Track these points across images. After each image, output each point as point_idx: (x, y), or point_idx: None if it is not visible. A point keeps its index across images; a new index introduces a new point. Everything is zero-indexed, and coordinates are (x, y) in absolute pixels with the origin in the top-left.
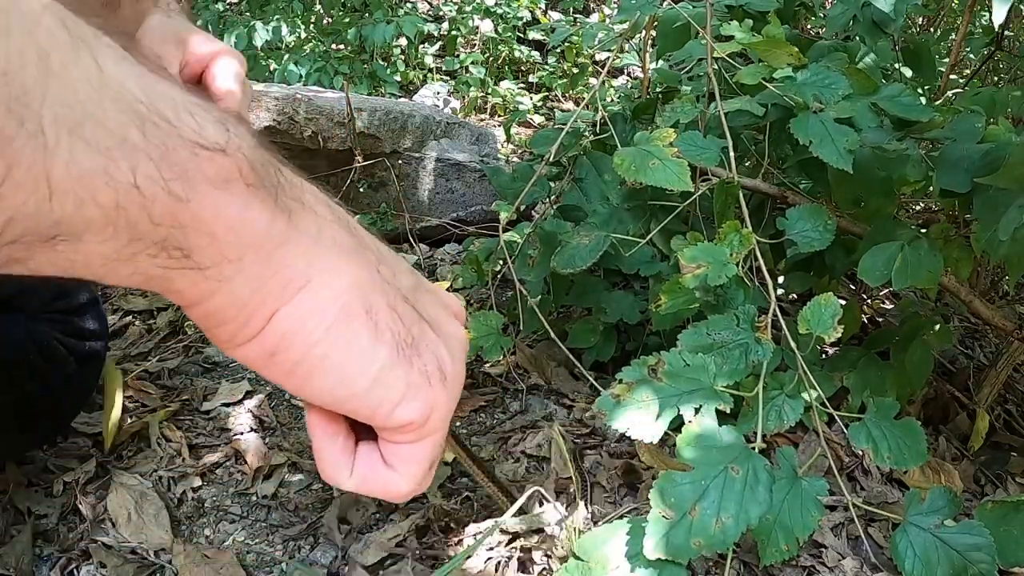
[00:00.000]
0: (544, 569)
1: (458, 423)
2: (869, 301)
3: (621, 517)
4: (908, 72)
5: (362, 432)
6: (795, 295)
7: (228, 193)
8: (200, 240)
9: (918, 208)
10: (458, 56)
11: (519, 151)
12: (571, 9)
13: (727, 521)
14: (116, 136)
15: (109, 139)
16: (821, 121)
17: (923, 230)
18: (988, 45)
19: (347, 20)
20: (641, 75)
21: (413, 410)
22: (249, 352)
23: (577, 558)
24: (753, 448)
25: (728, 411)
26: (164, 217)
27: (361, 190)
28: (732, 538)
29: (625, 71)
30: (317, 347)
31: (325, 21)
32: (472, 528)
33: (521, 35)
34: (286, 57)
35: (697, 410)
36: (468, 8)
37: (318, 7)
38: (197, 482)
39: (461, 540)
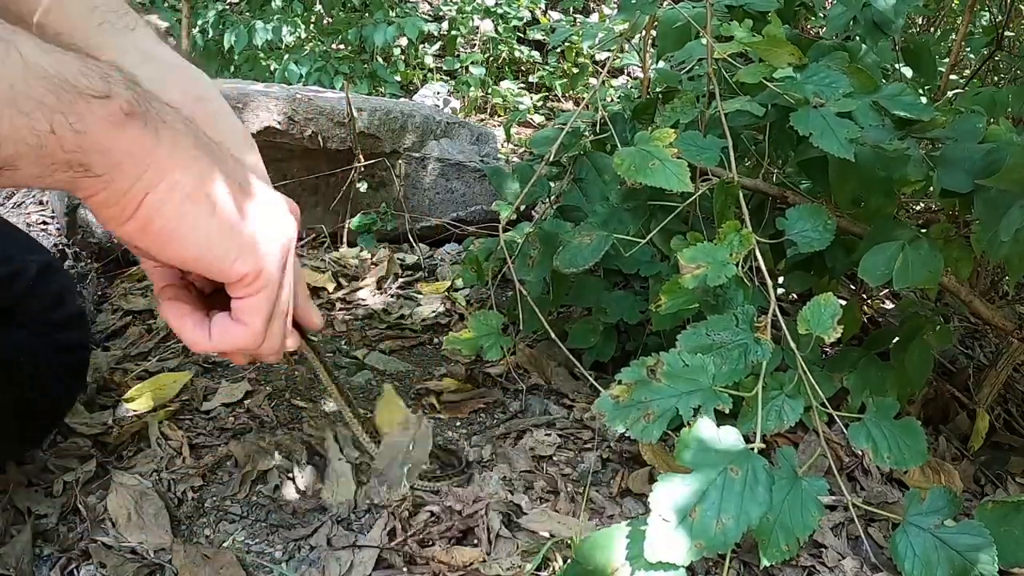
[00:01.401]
0: None
1: (458, 423)
2: (869, 301)
3: (625, 518)
4: (908, 72)
5: (216, 307)
6: (795, 295)
7: (111, 123)
8: (95, 157)
9: (918, 208)
10: (458, 56)
11: (519, 151)
12: (571, 9)
13: (727, 522)
14: (36, 101)
15: (32, 104)
16: (822, 115)
17: (923, 230)
18: (988, 45)
19: (347, 20)
20: (641, 75)
21: (247, 264)
22: (129, 228)
23: (577, 562)
24: (752, 449)
25: (728, 411)
26: (71, 147)
27: (361, 190)
28: (733, 539)
29: (625, 71)
30: (173, 218)
31: (325, 21)
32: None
33: (521, 35)
34: (286, 57)
35: (696, 411)
36: (468, 8)
37: (318, 7)
38: (197, 482)
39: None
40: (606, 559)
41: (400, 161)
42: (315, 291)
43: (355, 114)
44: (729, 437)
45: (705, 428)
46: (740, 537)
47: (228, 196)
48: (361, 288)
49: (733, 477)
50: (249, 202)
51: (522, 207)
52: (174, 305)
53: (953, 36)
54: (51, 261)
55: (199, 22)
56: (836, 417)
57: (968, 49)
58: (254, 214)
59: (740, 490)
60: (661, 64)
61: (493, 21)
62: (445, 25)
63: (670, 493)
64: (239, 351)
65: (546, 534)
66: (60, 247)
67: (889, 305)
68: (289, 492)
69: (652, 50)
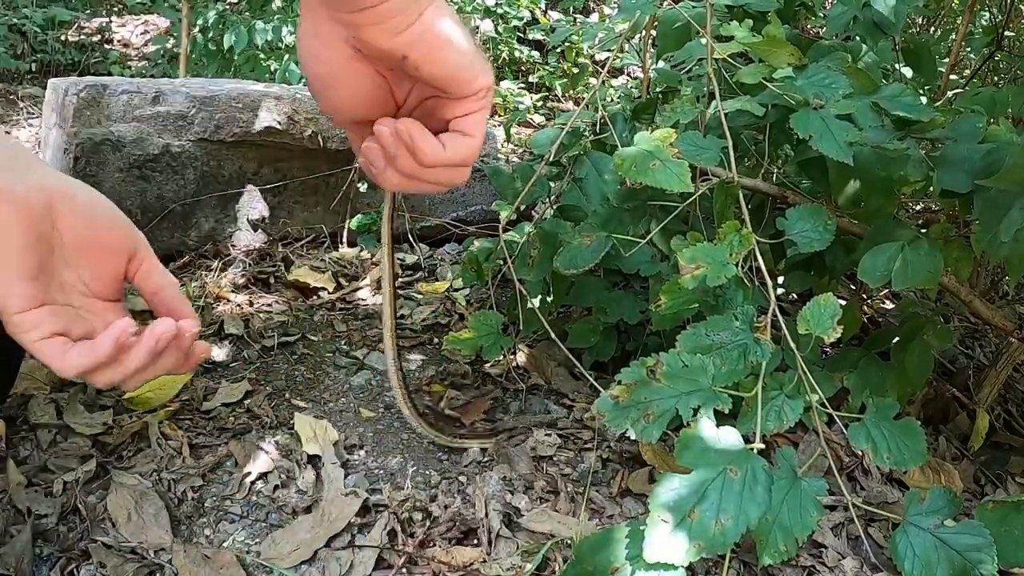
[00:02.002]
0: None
1: (456, 423)
2: (869, 301)
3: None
4: (908, 72)
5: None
6: (795, 295)
7: None
8: None
9: (918, 208)
10: None
11: (519, 151)
12: (571, 9)
13: (726, 523)
14: None
15: None
16: (821, 117)
17: (923, 230)
18: (988, 45)
19: None
20: (641, 75)
21: (488, 79)
22: (410, 34)
23: (576, 563)
24: (752, 449)
25: (727, 411)
26: None
27: (361, 190)
28: (732, 539)
29: (625, 71)
30: (446, 29)
31: None
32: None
33: (521, 35)
34: (286, 57)
35: (696, 411)
36: (468, 8)
37: None
38: (197, 482)
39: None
40: (606, 559)
41: None
42: (315, 291)
43: None
44: (728, 437)
45: (705, 428)
46: (739, 537)
47: (465, 27)
48: (361, 288)
49: (732, 477)
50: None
51: (522, 207)
52: (414, 121)
53: (953, 36)
54: None
55: (199, 22)
56: (836, 417)
57: (968, 49)
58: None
59: (739, 490)
60: (661, 64)
61: (493, 21)
62: None
63: (669, 493)
64: (461, 164)
65: (546, 534)
66: None
67: (889, 305)
68: (289, 492)
69: (652, 50)
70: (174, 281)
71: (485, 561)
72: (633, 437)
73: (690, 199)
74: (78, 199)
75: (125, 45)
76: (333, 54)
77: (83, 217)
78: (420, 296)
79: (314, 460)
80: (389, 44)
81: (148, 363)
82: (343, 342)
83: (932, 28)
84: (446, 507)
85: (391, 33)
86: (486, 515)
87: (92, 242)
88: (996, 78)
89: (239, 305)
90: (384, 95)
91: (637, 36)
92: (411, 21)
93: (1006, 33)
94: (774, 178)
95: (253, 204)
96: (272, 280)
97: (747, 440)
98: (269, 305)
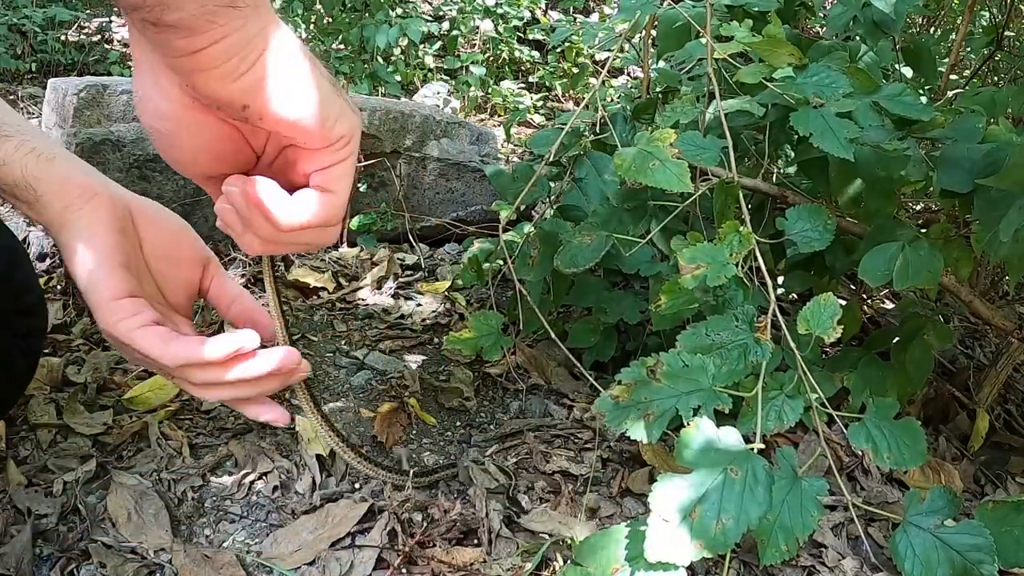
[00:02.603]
0: None
1: (458, 423)
2: (869, 301)
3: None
4: (908, 72)
5: None
6: (795, 295)
7: None
8: None
9: (918, 208)
10: (458, 56)
11: (519, 151)
12: (571, 9)
13: (727, 523)
14: None
15: None
16: (821, 115)
17: (923, 230)
18: (988, 45)
19: (347, 20)
20: (641, 75)
21: (346, 125)
22: (246, 81)
23: (576, 564)
24: (752, 449)
25: (728, 411)
26: None
27: (361, 190)
28: (732, 540)
29: (625, 71)
30: (290, 71)
31: (325, 21)
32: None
33: (521, 35)
34: None
35: (696, 411)
36: (469, 8)
37: (318, 6)
38: (197, 482)
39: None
40: (606, 559)
41: (400, 161)
42: (315, 291)
43: None
44: (729, 437)
45: (705, 428)
46: (740, 537)
47: (319, 62)
48: (361, 288)
49: (733, 477)
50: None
51: (522, 207)
52: (267, 181)
53: (953, 36)
54: (16, 246)
55: None
56: (836, 417)
57: (968, 49)
58: (338, 85)
59: (740, 490)
60: (661, 64)
61: (493, 21)
62: (446, 25)
63: (670, 493)
64: (323, 225)
65: (546, 534)
66: None
67: (889, 305)
68: (289, 492)
69: (652, 50)
70: (246, 291)
71: (485, 561)
72: (633, 437)
73: (690, 199)
74: (152, 211)
75: (125, 45)
76: (171, 105)
77: (160, 228)
78: (420, 296)
79: (315, 460)
80: (226, 92)
81: (251, 381)
82: (343, 342)
83: (932, 28)
84: (446, 508)
85: (226, 79)
86: (486, 515)
87: (169, 252)
88: (996, 78)
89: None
90: (236, 147)
91: (637, 36)
92: (249, 64)
93: (1006, 33)
94: (774, 178)
95: None
96: None
97: (747, 440)
98: (269, 305)
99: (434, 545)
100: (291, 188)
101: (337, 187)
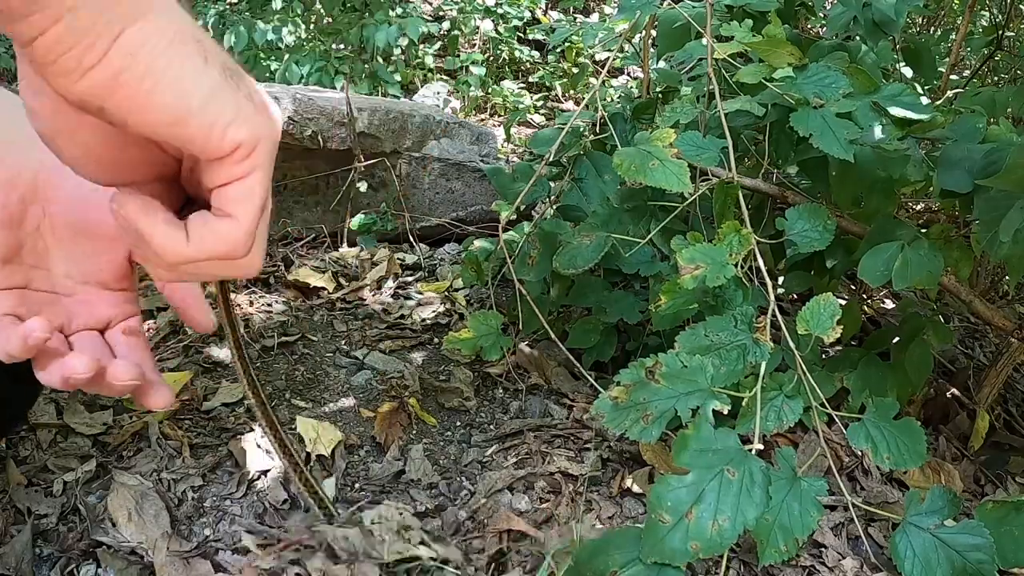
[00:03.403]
0: None
1: (458, 423)
2: (869, 301)
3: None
4: (908, 72)
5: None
6: (795, 295)
7: None
8: None
9: (918, 208)
10: (458, 56)
11: (519, 151)
12: (571, 9)
13: (724, 524)
14: None
15: None
16: (821, 116)
17: (923, 230)
18: (988, 45)
19: (347, 20)
20: (641, 75)
21: (244, 131)
22: (95, 78)
23: (576, 565)
24: (751, 450)
25: (727, 412)
26: None
27: (361, 190)
28: (729, 541)
29: (625, 71)
30: (159, 60)
31: (326, 21)
32: None
33: (521, 35)
34: (287, 57)
35: (695, 412)
36: (469, 8)
37: (318, 6)
38: (197, 482)
39: None
40: (604, 563)
41: (400, 161)
42: (315, 291)
43: (355, 114)
44: (726, 439)
45: (702, 429)
46: (737, 538)
47: (218, 48)
48: (361, 288)
49: (730, 478)
50: (238, 66)
51: (522, 207)
52: (141, 199)
53: (953, 36)
54: None
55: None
56: (836, 417)
57: (968, 49)
58: (245, 76)
59: (737, 491)
60: (661, 64)
61: (493, 21)
62: (446, 25)
63: (667, 494)
64: (222, 258)
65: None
66: None
67: (889, 305)
68: (289, 492)
69: (652, 50)
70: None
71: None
72: (632, 438)
73: (690, 199)
74: (62, 179)
75: None
76: (43, 107)
77: (72, 200)
78: (420, 296)
79: (315, 461)
80: (75, 91)
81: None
82: (343, 342)
83: (932, 28)
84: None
85: (70, 75)
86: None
87: (85, 227)
88: (996, 78)
89: (239, 305)
90: (141, 152)
91: (637, 36)
92: (97, 56)
93: (1006, 33)
94: (774, 178)
95: None
96: (272, 280)
97: (747, 440)
98: (269, 305)
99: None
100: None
101: (236, 210)
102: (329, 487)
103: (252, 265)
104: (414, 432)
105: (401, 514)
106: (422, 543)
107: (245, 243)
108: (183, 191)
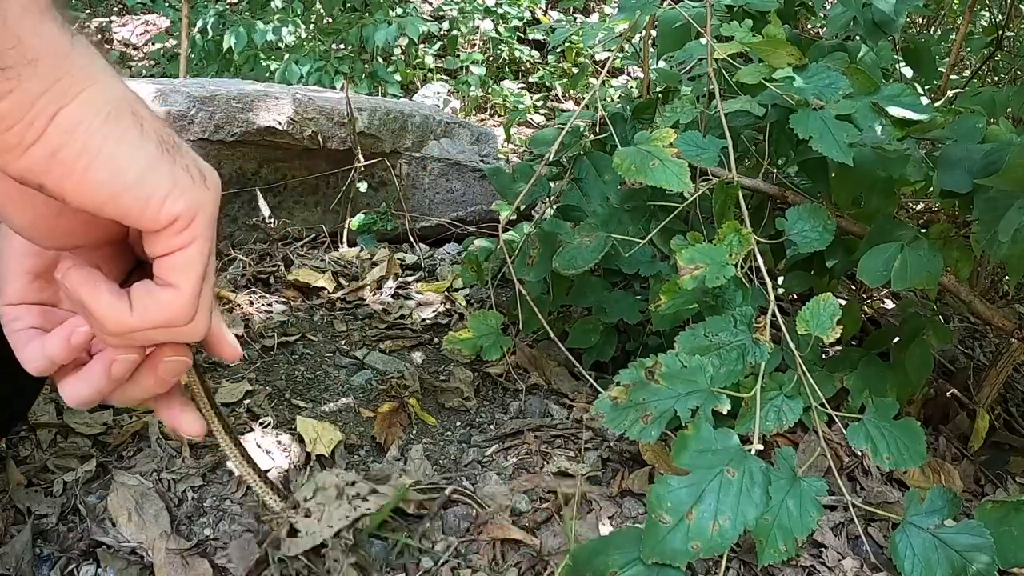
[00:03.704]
0: None
1: (458, 423)
2: (869, 301)
3: (625, 519)
4: (908, 72)
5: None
6: (795, 295)
7: (30, 11)
8: (6, 42)
9: (918, 208)
10: (459, 56)
11: (519, 151)
12: (571, 9)
13: (724, 524)
14: None
15: None
16: (821, 117)
17: (923, 230)
18: (988, 45)
19: (347, 20)
20: (641, 75)
21: (181, 204)
22: (34, 156)
23: (575, 566)
24: (750, 450)
25: (727, 412)
26: None
27: (361, 190)
28: (729, 541)
29: (625, 71)
30: (94, 138)
31: (325, 21)
32: None
33: (521, 35)
34: (287, 57)
35: (694, 412)
36: (469, 8)
37: (318, 6)
38: (197, 482)
39: None
40: (603, 563)
41: (400, 161)
42: (315, 291)
43: (355, 114)
44: (726, 439)
45: (702, 430)
46: (737, 538)
47: (156, 120)
48: (361, 288)
49: (730, 479)
50: (175, 136)
51: (522, 207)
52: (84, 271)
53: (953, 36)
54: None
55: (199, 22)
56: (836, 417)
57: (968, 49)
58: (183, 146)
59: (736, 491)
60: (661, 64)
61: (493, 21)
62: (446, 25)
63: (667, 494)
64: (166, 326)
65: (545, 535)
66: None
67: (889, 305)
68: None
69: (652, 50)
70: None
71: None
72: (632, 438)
73: (690, 199)
74: None
75: (126, 45)
76: None
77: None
78: (420, 296)
79: (316, 461)
80: (14, 169)
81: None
82: (343, 342)
83: (932, 28)
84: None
85: (10, 154)
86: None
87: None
88: (996, 78)
89: (239, 305)
90: (85, 219)
91: (637, 36)
92: (36, 134)
93: (1006, 33)
94: (774, 178)
95: (253, 204)
96: (272, 280)
97: (747, 440)
98: (269, 305)
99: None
100: None
101: (177, 279)
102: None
103: (196, 331)
104: (414, 432)
105: (337, 475)
106: (373, 492)
107: (188, 312)
108: (132, 253)
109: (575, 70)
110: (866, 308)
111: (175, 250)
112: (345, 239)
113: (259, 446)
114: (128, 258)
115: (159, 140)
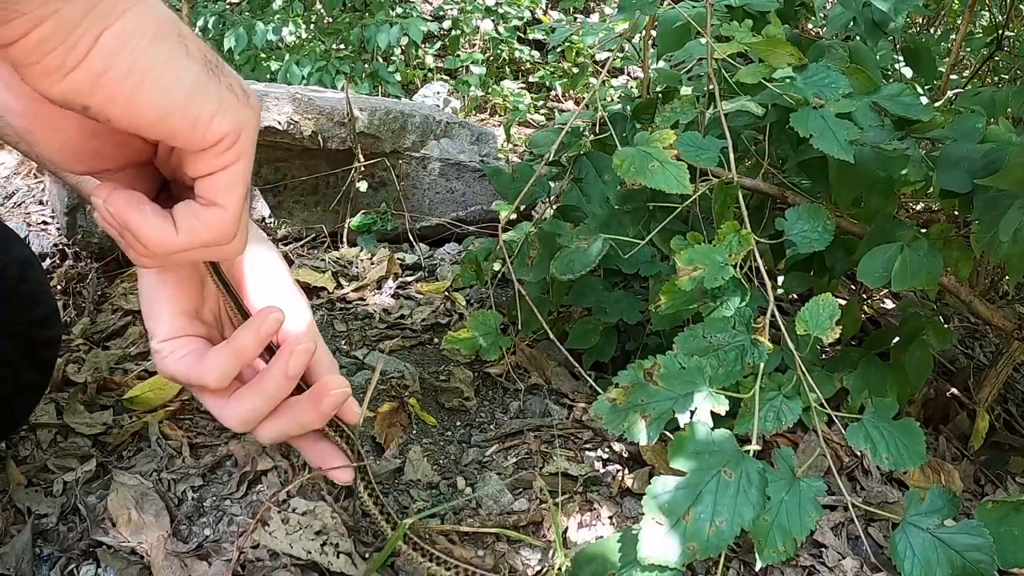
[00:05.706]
0: None
1: (458, 423)
2: (869, 301)
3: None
4: (908, 72)
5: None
6: (795, 295)
7: None
8: None
9: (918, 208)
10: (459, 56)
11: (519, 151)
12: (571, 9)
13: (721, 525)
14: None
15: None
16: (821, 116)
17: (923, 230)
18: (988, 45)
19: (348, 20)
20: (641, 75)
21: (227, 122)
22: (77, 79)
23: (573, 569)
24: (748, 451)
25: (726, 413)
26: None
27: (361, 190)
28: (726, 542)
29: (625, 71)
30: (142, 59)
31: (326, 21)
32: None
33: (521, 35)
34: (287, 57)
35: (692, 413)
36: (469, 8)
37: (318, 6)
38: (197, 482)
39: None
40: (602, 565)
41: (400, 161)
42: (315, 291)
43: (355, 114)
44: (723, 439)
45: (699, 431)
46: (734, 539)
47: (197, 39)
48: (361, 288)
49: (727, 479)
50: (218, 56)
51: (522, 207)
52: (126, 194)
53: (953, 36)
54: (29, 256)
55: (199, 22)
56: (835, 417)
57: (968, 49)
58: (227, 67)
59: (734, 492)
60: (661, 64)
61: (493, 21)
62: (446, 25)
63: (664, 495)
64: (211, 245)
65: (545, 535)
66: (60, 247)
67: (889, 305)
68: (290, 491)
69: (652, 50)
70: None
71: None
72: (631, 439)
73: (689, 200)
74: None
75: None
76: (18, 100)
77: None
78: (420, 296)
79: None
80: (57, 91)
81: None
82: (343, 342)
83: (932, 28)
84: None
85: (53, 76)
86: (488, 517)
87: None
88: (996, 78)
89: None
90: (116, 140)
91: (637, 36)
92: (79, 56)
93: (1006, 33)
94: (774, 178)
95: (253, 204)
96: None
97: (746, 441)
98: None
99: (434, 545)
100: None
101: (222, 198)
102: None
103: (237, 249)
104: (414, 432)
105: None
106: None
107: (233, 230)
108: (157, 174)
109: (575, 70)
110: (866, 308)
111: (219, 169)
112: (345, 239)
113: (259, 446)
114: (154, 180)
115: (204, 59)
